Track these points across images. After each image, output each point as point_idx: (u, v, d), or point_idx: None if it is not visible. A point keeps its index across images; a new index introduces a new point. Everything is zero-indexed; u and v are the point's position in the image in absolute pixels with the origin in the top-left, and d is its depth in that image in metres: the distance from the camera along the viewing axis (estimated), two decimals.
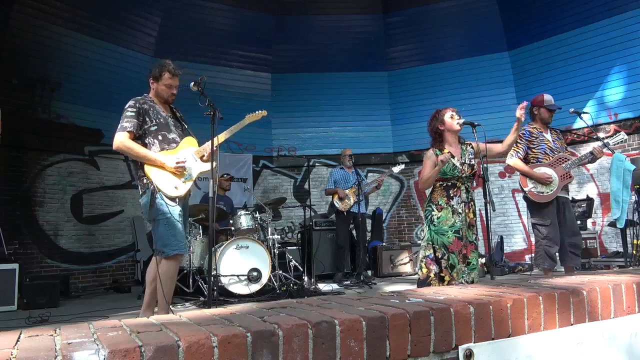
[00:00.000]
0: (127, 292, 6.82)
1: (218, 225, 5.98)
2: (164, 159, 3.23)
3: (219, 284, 5.08)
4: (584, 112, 4.40)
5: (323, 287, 5.82)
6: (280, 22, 9.01)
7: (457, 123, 3.61)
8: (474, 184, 3.76)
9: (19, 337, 1.06)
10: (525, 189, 4.13)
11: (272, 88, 9.47)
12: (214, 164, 3.41)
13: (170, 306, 3.40)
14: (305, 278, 6.06)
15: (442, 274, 3.46)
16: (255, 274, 5.28)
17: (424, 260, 3.55)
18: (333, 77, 9.46)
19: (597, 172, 7.67)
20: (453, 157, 3.57)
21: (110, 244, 7.78)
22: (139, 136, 3.28)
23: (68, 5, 7.03)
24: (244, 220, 5.88)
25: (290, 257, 6.23)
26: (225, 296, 5.16)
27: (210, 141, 3.42)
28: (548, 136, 4.23)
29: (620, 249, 6.51)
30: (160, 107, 3.44)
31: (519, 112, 3.58)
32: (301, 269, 6.25)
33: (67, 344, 0.97)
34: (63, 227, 7.24)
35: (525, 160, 4.20)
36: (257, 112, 3.80)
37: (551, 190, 4.04)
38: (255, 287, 5.28)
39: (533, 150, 4.19)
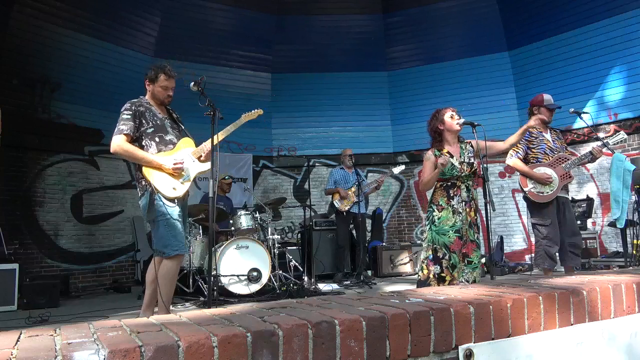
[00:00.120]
0: (127, 292, 6.82)
1: (218, 226, 5.98)
2: (161, 160, 3.24)
3: (219, 284, 5.08)
4: (584, 112, 4.40)
5: (323, 287, 5.82)
6: (280, 22, 9.01)
7: (457, 123, 3.62)
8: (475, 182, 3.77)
9: (19, 337, 1.06)
10: (525, 189, 4.13)
11: (272, 88, 9.47)
12: (211, 164, 3.43)
13: (171, 306, 3.41)
14: (305, 278, 6.06)
15: (442, 274, 3.46)
16: (255, 274, 5.29)
17: (425, 261, 3.57)
18: (333, 77, 9.46)
19: (597, 172, 7.67)
20: (452, 156, 3.57)
21: (110, 244, 7.78)
22: (135, 138, 3.29)
23: (68, 5, 7.03)
24: (244, 220, 5.88)
25: (290, 257, 6.23)
26: (225, 296, 5.16)
27: (207, 141, 3.44)
28: (548, 136, 4.23)
29: (620, 249, 6.51)
30: (157, 108, 3.44)
31: (534, 122, 3.71)
32: (301, 269, 6.25)
33: (67, 344, 0.97)
34: (63, 227, 7.24)
35: (525, 160, 4.20)
36: (253, 111, 3.80)
37: (551, 190, 4.04)
38: (255, 287, 5.28)
39: (533, 150, 4.19)
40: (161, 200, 3.21)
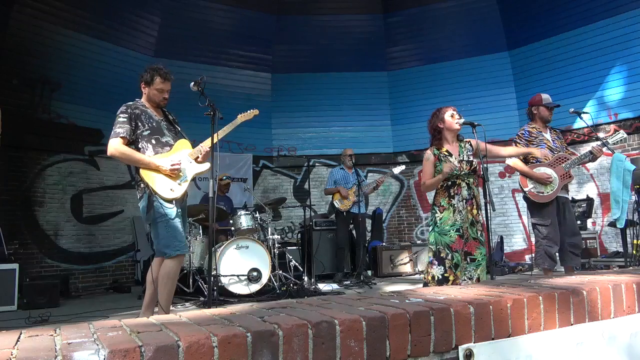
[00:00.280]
0: (127, 292, 6.82)
1: (217, 225, 5.98)
2: (158, 162, 3.25)
3: (219, 284, 5.08)
4: (584, 112, 4.40)
5: (323, 287, 5.82)
6: (280, 22, 9.01)
7: (457, 122, 3.63)
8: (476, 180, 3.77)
9: (19, 337, 1.06)
10: (525, 189, 4.13)
11: (272, 88, 9.46)
12: (209, 164, 3.44)
13: (171, 306, 3.41)
14: (305, 278, 6.06)
15: (446, 274, 3.46)
16: (255, 274, 5.29)
17: (428, 264, 3.59)
18: (333, 77, 9.46)
19: (597, 172, 7.67)
20: (451, 155, 3.59)
21: (110, 244, 7.78)
22: (132, 141, 3.30)
23: (68, 5, 7.03)
24: (244, 220, 5.89)
25: (290, 257, 6.23)
26: (225, 296, 5.16)
27: (203, 142, 3.46)
28: (548, 136, 4.23)
29: (620, 249, 6.51)
30: (152, 111, 3.45)
31: (541, 154, 3.95)
32: (301, 269, 6.25)
33: (67, 344, 0.97)
34: (63, 227, 7.24)
35: (525, 160, 4.20)
36: (249, 111, 3.80)
37: (551, 190, 4.04)
38: (255, 287, 5.28)
39: None
40: (160, 202, 3.22)
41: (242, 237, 5.51)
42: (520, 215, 8.49)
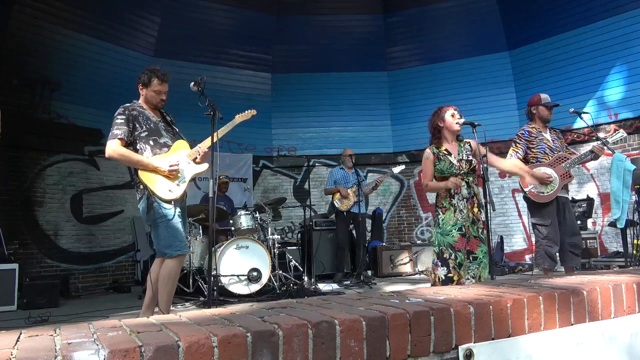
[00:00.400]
0: (127, 292, 6.82)
1: (217, 225, 5.98)
2: (157, 163, 3.26)
3: (219, 284, 5.08)
4: (584, 112, 4.39)
5: (323, 287, 5.82)
6: (280, 22, 9.01)
7: (457, 122, 3.63)
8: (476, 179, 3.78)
9: (19, 337, 1.06)
10: (525, 189, 4.13)
11: (272, 88, 9.46)
12: (208, 165, 3.44)
13: (171, 306, 3.41)
14: (305, 278, 6.06)
15: (450, 275, 3.46)
16: (255, 274, 5.29)
17: (433, 266, 3.61)
18: (333, 77, 9.46)
19: (597, 172, 7.67)
20: (450, 154, 3.61)
21: (110, 244, 7.78)
22: (130, 143, 3.31)
23: (68, 5, 7.03)
24: (244, 220, 5.89)
25: (290, 257, 6.23)
26: (225, 296, 5.16)
27: (201, 143, 3.46)
28: (547, 136, 4.22)
29: (621, 249, 6.51)
30: (150, 112, 3.45)
31: (539, 179, 3.98)
32: (301, 269, 6.25)
33: (67, 344, 0.97)
34: (63, 227, 7.24)
35: (525, 160, 4.20)
36: (246, 111, 3.81)
37: (551, 190, 4.04)
38: (255, 287, 5.28)
39: (532, 150, 4.18)
40: (158, 203, 3.23)
41: (242, 237, 5.51)
42: (520, 215, 8.48)
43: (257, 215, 6.11)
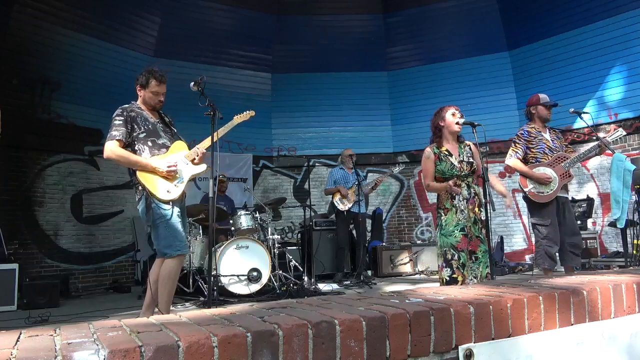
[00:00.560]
0: (127, 292, 6.82)
1: (217, 224, 5.98)
2: (155, 163, 3.26)
3: (219, 284, 5.08)
4: (584, 112, 4.39)
5: (323, 287, 5.82)
6: (280, 22, 9.01)
7: (457, 122, 3.64)
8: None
9: (19, 337, 1.06)
10: (525, 189, 4.13)
11: (272, 88, 9.46)
12: (207, 166, 3.45)
13: (171, 306, 3.41)
14: (305, 278, 6.06)
15: (454, 275, 3.46)
16: (255, 274, 5.29)
17: (439, 268, 3.61)
18: (333, 77, 9.46)
19: (597, 172, 7.67)
20: (451, 154, 3.61)
21: (110, 244, 7.78)
22: (128, 144, 3.31)
23: (68, 5, 7.03)
24: (244, 220, 5.89)
25: (290, 257, 6.23)
26: (225, 296, 5.16)
27: (200, 144, 3.47)
28: (547, 136, 4.22)
29: (621, 249, 6.51)
30: (148, 113, 3.46)
31: (508, 202, 4.05)
32: (301, 269, 6.25)
33: (67, 344, 0.97)
34: (63, 227, 7.24)
35: (525, 160, 4.20)
36: (245, 112, 3.82)
37: (551, 190, 4.04)
38: (255, 287, 5.28)
39: (532, 150, 4.19)
40: (157, 204, 3.23)
41: (242, 237, 5.51)
42: (520, 215, 8.48)
43: (257, 215, 6.11)
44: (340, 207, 6.82)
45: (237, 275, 5.24)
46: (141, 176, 3.25)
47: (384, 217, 9.23)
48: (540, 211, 4.09)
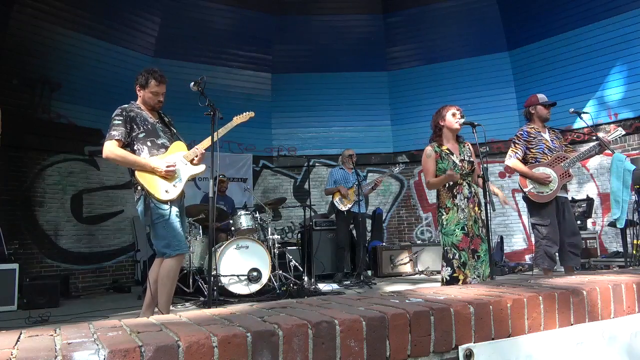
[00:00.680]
0: (127, 292, 6.82)
1: (217, 223, 5.98)
2: (154, 163, 3.26)
3: (219, 284, 5.08)
4: (584, 112, 4.39)
5: (323, 287, 5.82)
6: (280, 22, 9.01)
7: (457, 122, 3.65)
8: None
9: (19, 337, 1.06)
10: (525, 190, 4.13)
11: (272, 88, 9.46)
12: (206, 166, 3.45)
13: (171, 306, 3.42)
14: (305, 278, 6.06)
15: (455, 274, 3.47)
16: (255, 274, 5.29)
17: (441, 267, 3.61)
18: (333, 77, 9.46)
19: (597, 172, 7.67)
20: (452, 153, 3.62)
21: (110, 244, 7.78)
22: (127, 144, 3.32)
23: (68, 5, 7.03)
24: (244, 220, 5.89)
25: (290, 257, 6.23)
26: (225, 296, 5.16)
27: (199, 144, 3.47)
28: (546, 136, 4.22)
29: (620, 249, 6.51)
30: (148, 113, 3.46)
31: (502, 198, 4.05)
32: (301, 269, 6.25)
33: (67, 344, 0.97)
34: (63, 227, 7.24)
35: (524, 160, 4.20)
36: (244, 113, 3.83)
37: (551, 190, 4.04)
38: (255, 287, 5.28)
39: (531, 150, 4.19)
40: (155, 203, 3.23)
41: (242, 237, 5.51)
42: (520, 215, 8.48)
43: (257, 215, 6.11)
44: (341, 207, 6.82)
45: (237, 275, 5.24)
46: (140, 176, 3.25)
47: (384, 217, 9.23)
48: (540, 211, 4.09)
